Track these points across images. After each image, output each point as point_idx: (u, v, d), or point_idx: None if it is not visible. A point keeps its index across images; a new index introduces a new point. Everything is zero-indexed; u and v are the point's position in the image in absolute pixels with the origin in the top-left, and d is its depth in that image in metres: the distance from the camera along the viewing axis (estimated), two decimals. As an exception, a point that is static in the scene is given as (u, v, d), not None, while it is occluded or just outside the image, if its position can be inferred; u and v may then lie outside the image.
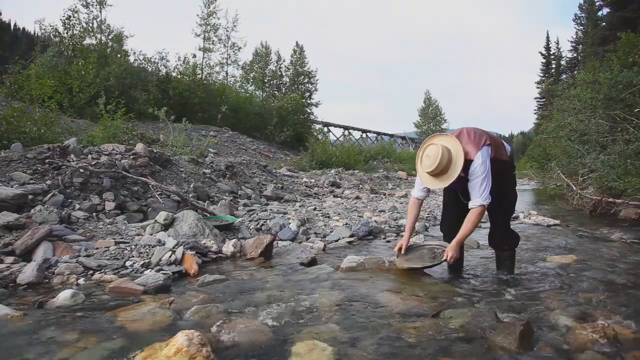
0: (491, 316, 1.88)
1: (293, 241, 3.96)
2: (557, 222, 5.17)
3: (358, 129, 40.52)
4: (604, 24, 17.40)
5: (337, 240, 3.94)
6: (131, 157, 4.90)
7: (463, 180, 2.47)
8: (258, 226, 4.16)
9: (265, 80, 32.93)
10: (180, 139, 6.78)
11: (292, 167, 10.31)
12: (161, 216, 3.51)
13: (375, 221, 4.70)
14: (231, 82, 30.28)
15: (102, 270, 2.68)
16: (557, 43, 36.05)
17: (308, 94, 35.66)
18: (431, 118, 47.74)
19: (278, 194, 6.13)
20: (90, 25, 25.80)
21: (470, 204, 2.45)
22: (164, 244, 3.12)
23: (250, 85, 31.95)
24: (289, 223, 4.27)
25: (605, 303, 2.16)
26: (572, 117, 8.21)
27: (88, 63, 11.07)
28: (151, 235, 3.34)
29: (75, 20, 11.63)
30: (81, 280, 2.51)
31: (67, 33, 11.79)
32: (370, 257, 2.85)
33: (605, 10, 17.53)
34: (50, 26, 12.28)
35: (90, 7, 25.76)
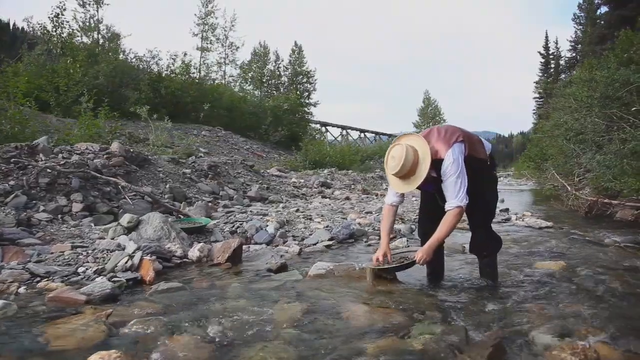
0: (461, 335, 1.67)
1: (269, 244, 3.76)
2: (549, 224, 4.96)
3: (356, 129, 40.33)
4: (602, 22, 17.20)
5: (315, 244, 3.73)
6: (105, 156, 4.69)
7: (437, 182, 2.27)
8: (233, 229, 3.96)
9: (264, 80, 32.76)
10: (162, 138, 6.58)
11: (283, 167, 10.11)
12: (125, 219, 3.31)
13: (359, 223, 4.49)
14: (229, 82, 30.13)
15: (50, 278, 2.48)
16: (556, 43, 35.83)
17: (307, 93, 35.51)
18: (430, 118, 47.52)
19: (262, 195, 5.93)
20: (87, 24, 25.74)
21: (446, 206, 2.25)
22: (123, 249, 2.92)
23: (249, 85, 31.81)
24: (267, 225, 4.07)
25: (592, 317, 1.96)
26: (568, 116, 8.01)
27: (76, 61, 10.87)
28: (112, 239, 3.14)
29: (64, 17, 11.44)
30: (22, 289, 2.30)
31: (55, 31, 11.61)
32: (341, 263, 2.64)
33: (604, 9, 17.34)
34: (39, 24, 12.12)
35: (87, 6, 25.66)
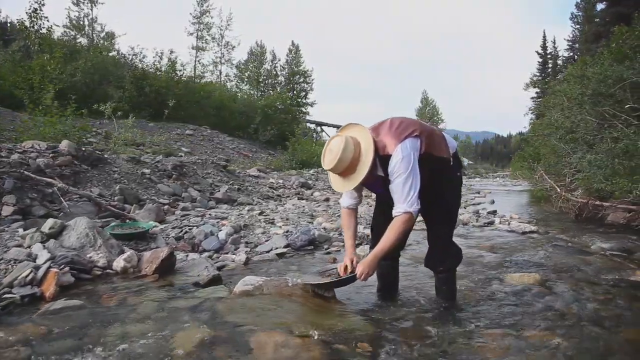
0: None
1: (218, 251, 3.40)
2: (533, 228, 4.60)
3: (353, 129, 39.86)
4: (598, 20, 16.87)
5: (268, 252, 3.37)
6: (50, 155, 4.32)
7: (387, 182, 1.91)
8: (180, 234, 3.59)
9: (260, 80, 32.52)
10: (124, 137, 6.21)
11: (265, 167, 9.74)
12: (47, 224, 2.94)
13: (325, 228, 4.13)
14: (225, 81, 29.85)
15: None
16: (554, 42, 35.54)
17: (304, 93, 35.24)
18: (428, 118, 47.26)
19: (231, 197, 5.56)
20: (81, 22, 25.39)
21: (393, 211, 1.89)
22: (35, 259, 2.56)
23: (245, 85, 31.58)
24: (220, 230, 3.70)
25: (561, 349, 1.60)
26: (559, 114, 7.66)
27: (53, 58, 10.50)
28: (28, 247, 2.77)
29: (42, 12, 11.06)
30: None
31: (33, 26, 11.22)
32: (272, 278, 2.27)
33: (600, 7, 17.00)
34: (17, 20, 11.73)
35: (81, 4, 25.33)
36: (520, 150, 14.35)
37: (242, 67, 31.83)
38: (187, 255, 3.03)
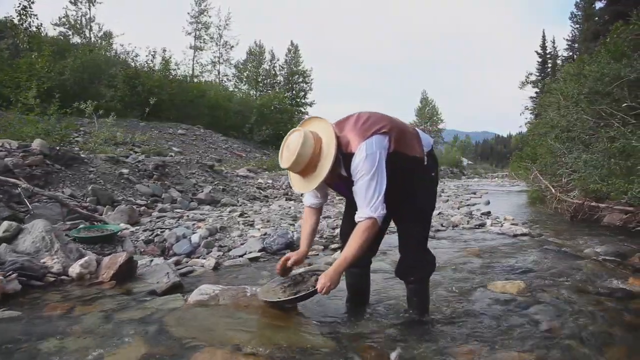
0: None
1: (190, 256, 3.23)
2: (525, 231, 4.41)
3: (351, 129, 39.74)
4: (597, 18, 16.67)
5: (242, 256, 3.19)
6: (21, 154, 4.14)
7: (351, 183, 1.73)
8: (150, 237, 3.41)
9: (259, 80, 32.40)
10: (103, 135, 6.03)
11: (257, 167, 9.55)
12: (2, 227, 2.76)
13: (306, 230, 3.94)
14: (223, 81, 29.72)
15: None
16: (553, 42, 35.35)
17: (303, 93, 35.12)
18: (428, 118, 47.06)
19: (214, 197, 5.38)
20: (78, 22, 25.23)
21: (356, 216, 1.71)
22: (-19, 265, 2.38)
23: (244, 85, 31.47)
24: (194, 233, 3.52)
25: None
26: (554, 113, 7.48)
27: (42, 56, 10.32)
28: (-23, 252, 2.58)
29: (31, 10, 10.88)
30: None
31: (22, 24, 11.04)
32: (230, 287, 2.09)
33: (599, 6, 16.80)
34: (5, 18, 11.51)
35: (78, 4, 25.17)
36: (518, 150, 14.16)
37: (241, 67, 31.69)
38: (151, 261, 2.85)
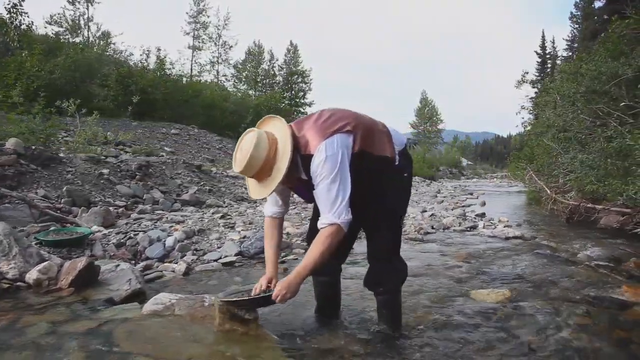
0: None
1: (163, 260, 3.07)
2: (518, 234, 4.25)
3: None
4: (596, 17, 16.52)
5: (217, 260, 3.03)
6: (-7, 153, 3.99)
7: (311, 186, 1.58)
8: (122, 240, 3.26)
9: (258, 80, 32.30)
10: (85, 135, 5.88)
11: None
12: (-42, 230, 2.61)
13: (288, 233, 3.80)
14: (222, 81, 29.60)
15: None
16: (553, 42, 35.18)
17: (302, 93, 35.04)
18: (428, 118, 46.94)
19: (199, 198, 5.22)
20: (76, 21, 25.08)
21: (319, 222, 1.56)
22: None
23: (243, 85, 31.36)
24: (169, 236, 3.37)
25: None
26: (550, 112, 7.33)
27: (33, 54, 10.18)
28: None
29: (22, 8, 10.71)
30: None
31: (12, 23, 10.89)
32: (188, 296, 1.94)
33: (598, 5, 16.63)
34: (-5, 16, 11.35)
35: (77, 3, 25.02)
36: (516, 151, 14.01)
37: (240, 67, 31.58)
38: (117, 265, 2.69)
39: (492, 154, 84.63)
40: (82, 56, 11.82)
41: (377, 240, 1.72)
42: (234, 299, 1.69)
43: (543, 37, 35.78)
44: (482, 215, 6.41)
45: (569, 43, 30.10)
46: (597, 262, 2.99)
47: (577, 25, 28.90)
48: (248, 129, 1.63)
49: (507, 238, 4.13)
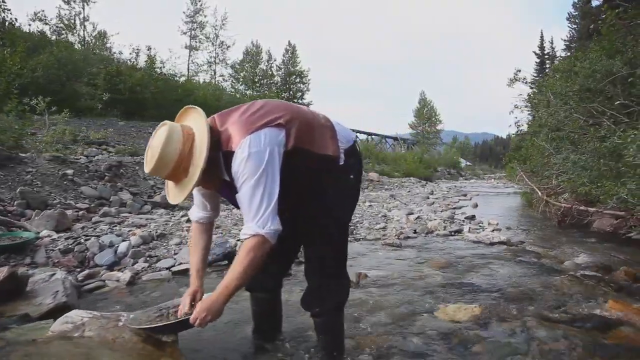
0: None
1: (112, 267, 2.82)
2: (503, 239, 4.00)
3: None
4: (593, 17, 16.29)
5: (168, 268, 2.78)
6: (-57, 152, 3.74)
7: (235, 188, 1.34)
8: (70, 246, 3.00)
9: (256, 80, 32.14)
10: (53, 134, 5.63)
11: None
12: None
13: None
14: (219, 81, 29.40)
15: None
16: (552, 42, 35.00)
17: (300, 93, 34.91)
18: (426, 119, 46.77)
19: (173, 200, 4.96)
20: (72, 21, 24.85)
21: (241, 233, 1.32)
22: None
23: (241, 85, 31.16)
24: (124, 241, 3.12)
25: None
26: (543, 111, 7.09)
27: (16, 52, 9.92)
28: None
29: (5, 5, 10.48)
30: None
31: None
32: (103, 314, 1.68)
33: (595, 4, 16.40)
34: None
35: (72, 3, 24.80)
36: (512, 151, 13.76)
37: (238, 67, 31.40)
38: (52, 274, 2.44)
39: (492, 154, 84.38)
40: (67, 54, 11.54)
41: (316, 253, 1.47)
42: (145, 326, 1.45)
43: (542, 37, 35.59)
44: (472, 217, 6.17)
45: (567, 43, 29.89)
46: (584, 271, 2.73)
47: (575, 26, 28.70)
48: (162, 123, 1.39)
49: (492, 243, 3.88)
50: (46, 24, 15.05)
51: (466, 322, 1.85)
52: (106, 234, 3.30)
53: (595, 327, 1.81)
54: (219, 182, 1.39)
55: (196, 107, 1.40)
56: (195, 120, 1.36)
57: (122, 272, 2.67)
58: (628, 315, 1.92)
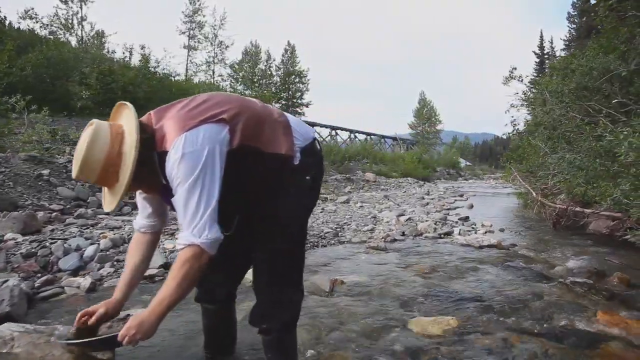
0: None
1: (77, 272, 2.67)
2: (493, 242, 3.85)
3: (346, 129, 39.49)
4: (592, 14, 16.15)
5: (135, 275, 2.62)
6: None
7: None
8: (34, 250, 2.85)
9: (255, 80, 32.03)
10: (28, 133, 5.47)
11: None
12: None
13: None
14: (217, 81, 29.25)
15: None
16: (551, 42, 34.91)
17: (299, 94, 34.81)
18: (426, 119, 46.64)
19: (155, 201, 4.81)
20: (70, 21, 24.72)
21: (177, 242, 1.17)
22: None
23: (240, 85, 31.04)
24: (92, 245, 2.97)
25: None
26: (538, 109, 6.94)
27: (3, 50, 9.77)
28: None
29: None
30: None
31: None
32: (36, 327, 1.52)
33: (593, 2, 16.23)
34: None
35: (69, 2, 24.66)
36: (509, 151, 13.60)
37: (237, 67, 31.29)
38: (5, 281, 2.29)
39: (492, 154, 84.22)
40: (57, 52, 11.38)
41: (265, 264, 1.31)
42: (64, 341, 1.29)
43: (541, 37, 35.46)
44: (466, 219, 6.02)
45: (567, 43, 29.74)
46: (575, 278, 2.57)
47: (575, 25, 28.55)
48: (90, 121, 1.23)
49: (481, 247, 3.72)
50: (37, 22, 14.87)
51: (440, 336, 1.69)
52: (75, 236, 3.14)
53: (582, 342, 1.66)
54: (158, 186, 1.24)
55: (127, 102, 1.24)
56: (127, 118, 1.20)
57: (84, 277, 2.51)
58: (618, 328, 1.77)
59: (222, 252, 1.19)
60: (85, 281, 2.43)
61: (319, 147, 1.43)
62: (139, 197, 1.40)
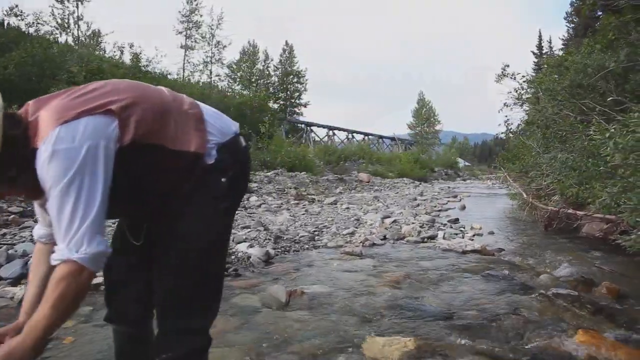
0: None
1: (20, 280, 2.46)
2: (476, 247, 3.63)
3: (343, 130, 39.31)
4: (588, 12, 15.96)
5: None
6: None
7: None
8: (-26, 257, 2.64)
9: (253, 80, 31.84)
10: None
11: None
12: None
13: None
14: (215, 81, 29.06)
15: None
16: (550, 42, 34.67)
17: (297, 94, 34.66)
18: (425, 119, 46.46)
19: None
20: (66, 21, 24.55)
21: (51, 257, 0.94)
22: None
23: (237, 85, 30.85)
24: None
25: None
26: (531, 108, 6.73)
27: (-11, 49, 9.58)
28: None
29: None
30: None
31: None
32: None
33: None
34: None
35: (65, 2, 24.49)
36: (505, 151, 13.38)
37: (234, 67, 31.10)
38: None
39: (491, 155, 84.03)
40: (41, 50, 11.17)
41: (166, 286, 1.09)
42: None
43: (540, 37, 35.23)
44: (455, 221, 5.81)
45: (565, 42, 29.55)
46: (559, 289, 2.35)
47: (573, 25, 28.36)
48: None
49: (464, 252, 3.50)
50: (22, 19, 14.58)
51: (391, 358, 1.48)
52: (24, 241, 2.93)
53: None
54: (31, 190, 1.02)
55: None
56: None
57: (21, 287, 2.30)
58: (599, 350, 1.55)
59: (133, 263, 0.98)
60: (21, 291, 2.22)
61: (243, 143, 1.21)
62: (36, 203, 1.19)
